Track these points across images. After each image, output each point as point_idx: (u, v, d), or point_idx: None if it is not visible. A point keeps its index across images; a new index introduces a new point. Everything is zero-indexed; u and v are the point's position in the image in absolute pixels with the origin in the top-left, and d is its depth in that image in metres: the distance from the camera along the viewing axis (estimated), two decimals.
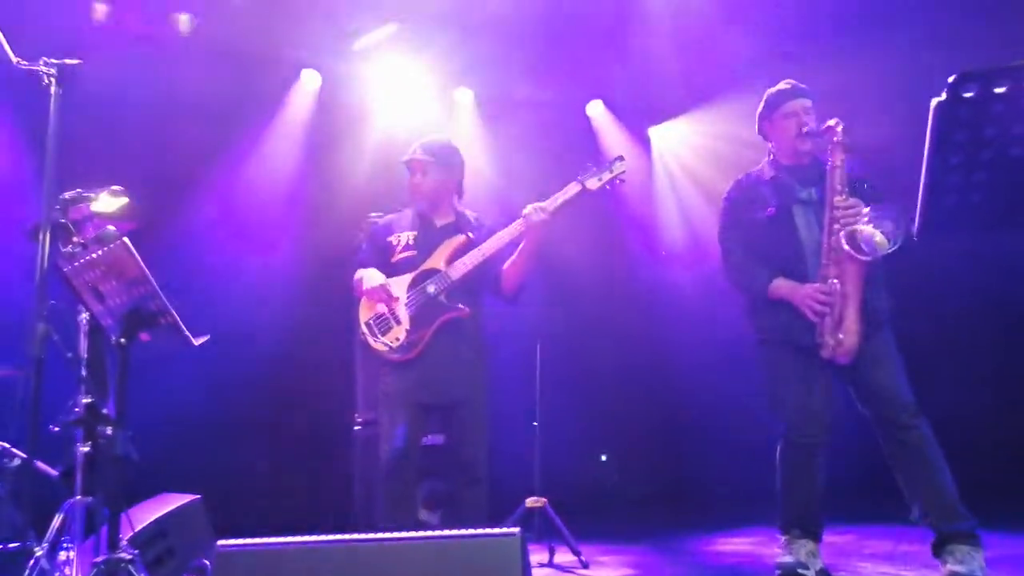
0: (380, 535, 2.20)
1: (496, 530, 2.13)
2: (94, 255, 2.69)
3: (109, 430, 2.92)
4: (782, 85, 3.37)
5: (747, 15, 5.39)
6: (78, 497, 3.02)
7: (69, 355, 3.05)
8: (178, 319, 2.79)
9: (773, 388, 3.30)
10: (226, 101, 5.19)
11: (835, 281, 3.05)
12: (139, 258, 2.68)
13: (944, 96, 1.50)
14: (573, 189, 3.32)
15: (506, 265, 3.38)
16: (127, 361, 2.74)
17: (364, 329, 3.34)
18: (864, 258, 2.94)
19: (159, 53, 5.12)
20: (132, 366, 2.75)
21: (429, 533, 2.19)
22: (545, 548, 4.09)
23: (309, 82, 5.90)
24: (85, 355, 3.15)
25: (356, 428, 4.64)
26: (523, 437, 4.43)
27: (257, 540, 2.19)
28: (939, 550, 2.97)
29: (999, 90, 1.48)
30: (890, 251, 2.90)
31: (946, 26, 4.77)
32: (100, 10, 5.00)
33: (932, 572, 3.00)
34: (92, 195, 3.34)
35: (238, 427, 5.27)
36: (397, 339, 3.27)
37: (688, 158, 6.67)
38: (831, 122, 3.14)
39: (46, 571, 2.99)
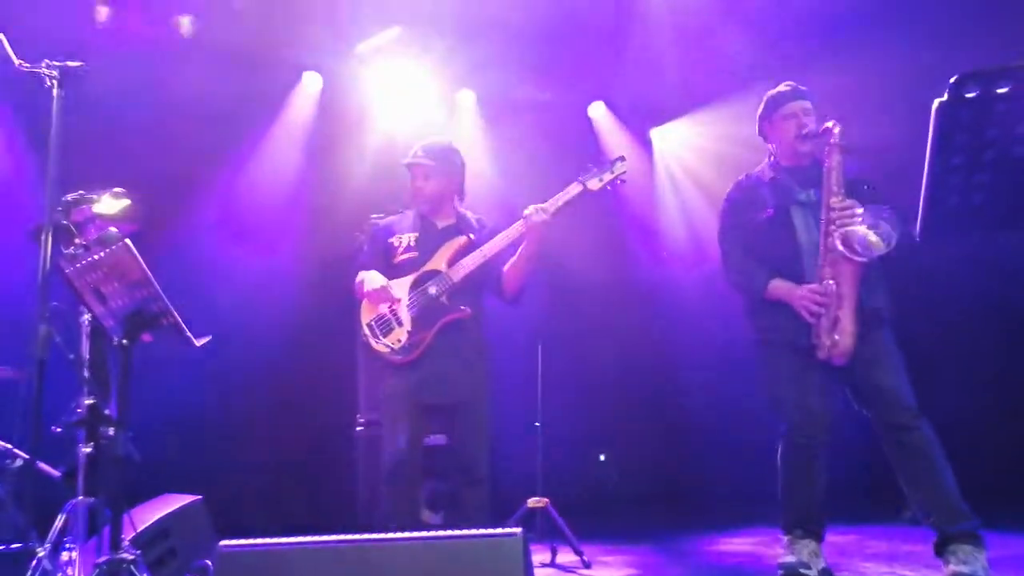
0: (383, 535, 2.20)
1: (498, 530, 2.14)
2: (96, 257, 2.69)
3: (111, 431, 2.92)
4: (782, 87, 3.38)
5: (748, 16, 5.40)
6: (80, 498, 3.02)
7: (71, 356, 3.05)
8: (180, 320, 2.79)
9: (773, 388, 3.31)
10: (228, 103, 5.19)
11: (831, 282, 3.05)
12: (141, 260, 2.68)
13: (946, 96, 1.50)
14: (574, 190, 3.32)
15: (507, 266, 3.38)
16: (129, 362, 2.74)
17: (366, 331, 3.34)
18: (858, 259, 2.95)
19: (161, 55, 5.13)
20: (134, 367, 2.75)
21: (431, 533, 2.19)
22: (547, 548, 4.09)
23: (311, 84, 5.90)
24: (87, 356, 3.15)
25: (358, 429, 4.64)
26: (525, 437, 4.43)
27: (259, 540, 2.19)
28: (941, 550, 2.97)
29: (1001, 90, 1.48)
30: (884, 252, 2.91)
31: (947, 26, 4.77)
32: (102, 12, 5.01)
33: (935, 572, 2.99)
34: (94, 197, 3.34)
35: (240, 428, 5.28)
36: (399, 340, 3.28)
37: (689, 159, 6.67)
38: (828, 124, 3.15)
39: (48, 572, 2.99)
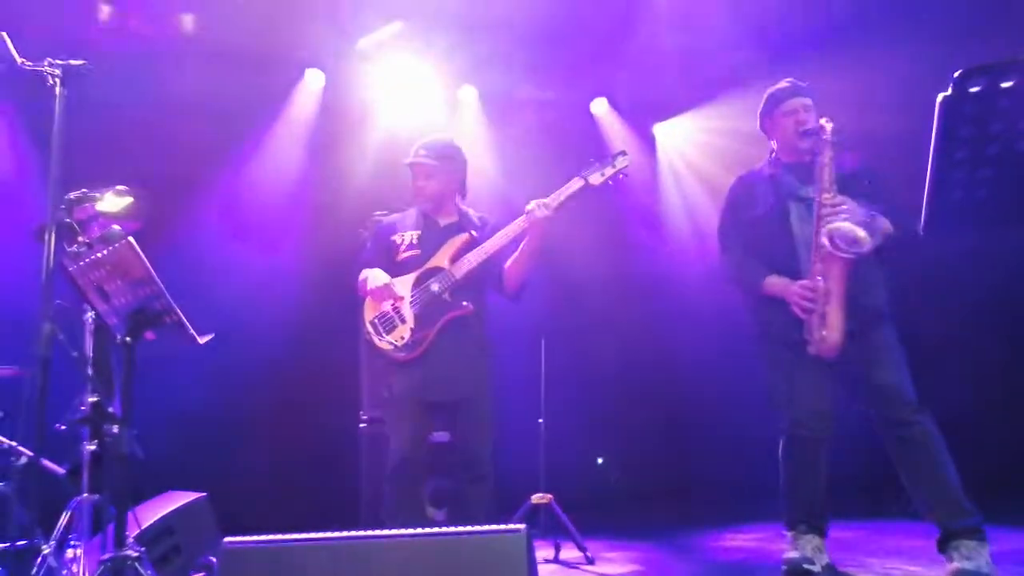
0: (386, 532, 2.20)
1: (502, 527, 2.14)
2: (99, 254, 2.70)
3: (115, 428, 2.92)
4: (782, 83, 3.39)
5: (749, 12, 5.38)
6: (85, 495, 3.04)
7: (75, 354, 3.05)
8: (183, 318, 2.80)
9: (774, 384, 3.32)
10: (230, 101, 5.19)
11: (820, 278, 3.05)
12: (144, 257, 2.68)
13: (950, 91, 1.49)
14: (576, 184, 3.32)
15: (509, 262, 3.38)
16: (132, 360, 2.75)
17: (369, 328, 3.35)
18: (843, 255, 2.95)
19: (164, 54, 5.13)
20: (137, 365, 2.76)
21: (435, 530, 2.19)
22: (551, 544, 4.10)
23: (313, 82, 5.90)
24: (91, 354, 3.17)
25: (362, 426, 4.65)
26: (528, 434, 4.43)
27: (263, 537, 2.20)
28: (944, 546, 2.97)
29: (1005, 85, 1.48)
30: (871, 248, 2.90)
31: (951, 22, 4.75)
32: (105, 11, 5.01)
33: (938, 567, 2.99)
34: (97, 195, 3.35)
35: (244, 425, 5.28)
36: (402, 338, 3.28)
37: (692, 154, 6.66)
38: (822, 120, 3.16)
39: (54, 569, 3.00)
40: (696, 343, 6.11)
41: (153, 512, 3.37)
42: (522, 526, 2.11)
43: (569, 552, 4.02)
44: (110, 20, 5.02)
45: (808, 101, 3.31)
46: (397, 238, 3.47)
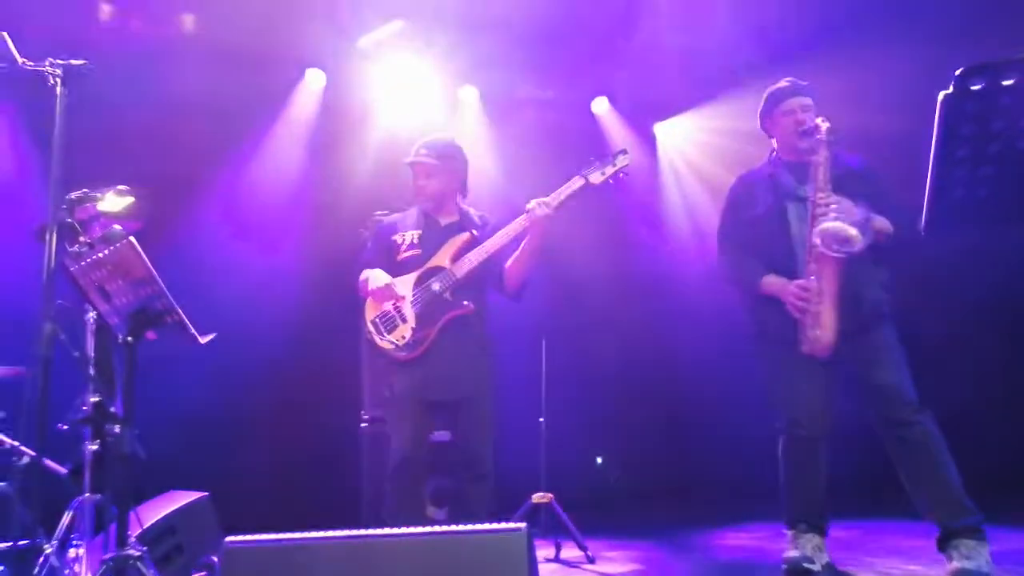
0: (387, 531, 2.20)
1: (502, 526, 2.14)
2: (100, 254, 2.70)
3: (117, 428, 2.92)
4: (782, 83, 3.39)
5: (750, 11, 5.38)
6: (87, 495, 3.04)
7: (76, 354, 3.06)
8: (184, 317, 2.80)
9: (771, 383, 3.33)
10: (231, 101, 5.19)
11: (814, 278, 3.06)
12: (145, 257, 2.69)
13: (951, 89, 1.49)
14: (576, 183, 3.32)
15: (510, 261, 3.38)
16: (134, 360, 2.75)
17: (370, 327, 3.35)
18: (834, 255, 2.95)
19: (164, 53, 5.13)
20: (139, 364, 2.76)
21: (436, 529, 2.19)
22: (551, 543, 4.10)
23: (314, 81, 5.90)
24: (92, 354, 3.17)
25: (363, 426, 4.65)
26: (529, 433, 4.43)
27: (265, 536, 2.20)
28: (944, 545, 2.97)
29: (1007, 83, 1.47)
30: (862, 247, 2.90)
31: (952, 21, 4.75)
32: (106, 11, 5.01)
33: (938, 566, 2.99)
34: (98, 195, 3.35)
35: (245, 425, 5.28)
36: (403, 337, 3.28)
37: (693, 154, 6.66)
38: (818, 120, 3.16)
39: (56, 568, 3.01)
40: (696, 342, 6.11)
41: (155, 512, 3.37)
42: (523, 525, 2.11)
43: (570, 551, 4.02)
44: (111, 20, 5.03)
45: (807, 101, 3.31)
46: (398, 238, 3.47)
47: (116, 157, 4.43)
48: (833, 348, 3.06)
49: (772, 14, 5.37)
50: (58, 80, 2.65)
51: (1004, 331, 5.28)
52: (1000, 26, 4.45)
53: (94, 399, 3.02)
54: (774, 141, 3.44)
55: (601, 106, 6.63)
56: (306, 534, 2.19)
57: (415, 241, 3.42)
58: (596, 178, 3.32)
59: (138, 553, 2.67)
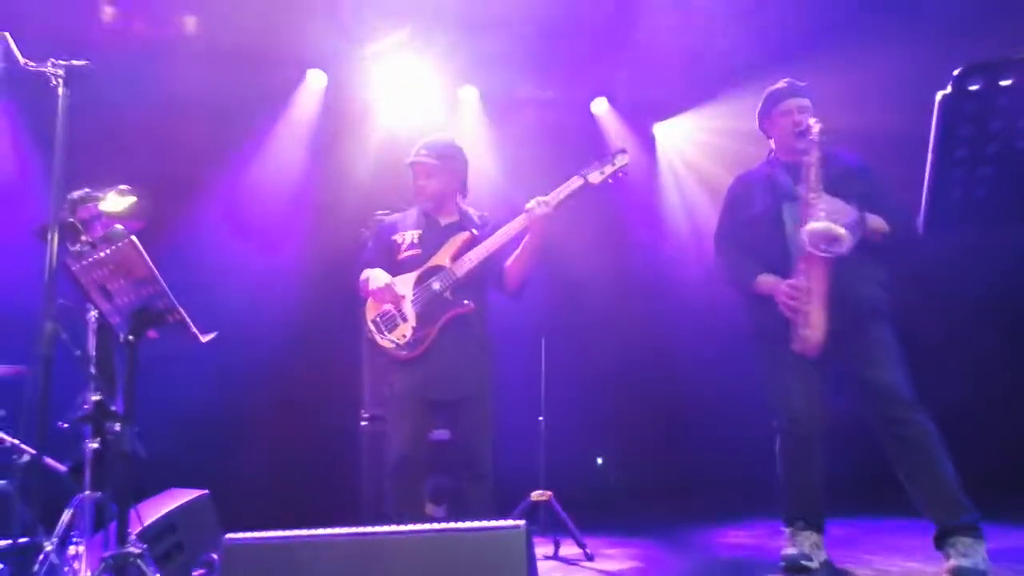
0: (387, 529, 2.21)
1: (501, 523, 2.15)
2: (102, 254, 2.71)
3: (117, 426, 2.94)
4: (780, 83, 3.41)
5: (749, 11, 5.39)
6: (87, 493, 3.05)
7: (78, 353, 3.07)
8: (186, 316, 2.81)
9: (767, 381, 3.34)
10: (232, 101, 5.20)
11: (804, 277, 3.07)
12: (147, 256, 2.69)
13: (949, 89, 1.50)
14: (575, 183, 3.33)
15: (510, 261, 3.39)
16: (135, 358, 2.76)
17: (371, 327, 3.36)
18: (820, 254, 2.96)
19: (166, 54, 5.14)
20: (140, 363, 2.77)
21: (435, 526, 2.20)
22: (550, 541, 4.11)
23: (314, 82, 5.91)
24: (93, 353, 3.18)
25: (363, 424, 4.66)
26: (528, 431, 4.44)
27: (265, 534, 2.21)
28: (941, 543, 2.98)
29: (1005, 83, 1.48)
30: (849, 247, 2.91)
31: (950, 21, 4.76)
32: (108, 12, 5.02)
33: (936, 564, 3.00)
34: (100, 194, 3.36)
35: (245, 423, 5.29)
36: (404, 336, 3.29)
37: (692, 154, 6.67)
38: (811, 120, 3.17)
39: (56, 566, 3.02)
40: (695, 341, 6.12)
41: (155, 510, 3.38)
42: (522, 522, 2.12)
43: (568, 549, 4.03)
44: (113, 20, 5.03)
45: (805, 101, 3.33)
46: (398, 237, 3.48)
47: (118, 157, 4.44)
48: (823, 347, 3.07)
49: (772, 14, 5.37)
50: (60, 81, 2.65)
51: (1003, 330, 5.29)
52: (999, 26, 4.46)
53: (95, 397, 3.02)
54: (772, 141, 3.45)
55: (601, 106, 6.64)
56: (306, 532, 2.20)
57: (415, 241, 3.43)
58: (595, 178, 3.33)
59: (138, 551, 2.67)
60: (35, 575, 2.96)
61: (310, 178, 5.88)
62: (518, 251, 3.35)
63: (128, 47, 5.01)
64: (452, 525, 2.20)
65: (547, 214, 3.25)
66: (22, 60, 2.64)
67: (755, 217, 3.32)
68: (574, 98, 6.54)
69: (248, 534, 2.21)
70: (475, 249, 3.33)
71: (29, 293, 2.94)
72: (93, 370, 3.09)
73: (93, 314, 3.17)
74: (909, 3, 5.00)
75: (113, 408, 3.04)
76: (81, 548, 3.02)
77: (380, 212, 4.45)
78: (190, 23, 5.19)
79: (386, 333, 3.31)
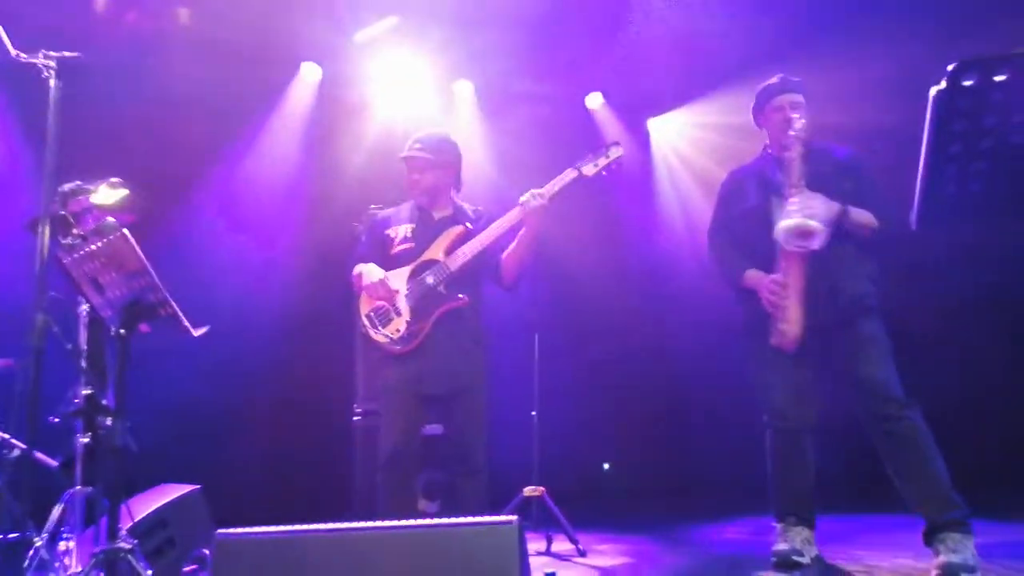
0: (379, 524, 2.21)
1: (494, 518, 2.14)
2: (94, 247, 2.69)
3: (108, 421, 2.93)
4: (773, 79, 3.41)
5: (744, 7, 5.39)
6: (78, 487, 3.04)
7: (69, 346, 3.06)
8: (178, 310, 2.80)
9: (756, 377, 3.35)
10: (226, 95, 5.18)
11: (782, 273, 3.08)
12: (139, 250, 2.68)
13: (943, 85, 1.50)
14: (569, 175, 3.32)
15: (506, 253, 3.38)
16: (127, 352, 2.74)
17: (365, 321, 3.35)
18: (794, 249, 2.97)
19: (160, 46, 5.11)
20: (132, 357, 2.75)
21: (428, 521, 2.20)
22: (543, 536, 4.11)
23: (309, 76, 5.89)
24: (85, 346, 3.17)
25: (356, 419, 4.65)
26: (521, 427, 4.44)
27: (257, 529, 2.20)
28: (931, 539, 2.98)
29: (999, 78, 1.48)
30: (821, 243, 2.91)
31: (945, 17, 4.77)
32: (101, 3, 4.99)
33: (926, 560, 3.01)
34: (91, 187, 3.34)
35: (238, 418, 5.28)
36: (398, 330, 3.28)
37: (686, 149, 6.67)
38: (793, 115, 3.18)
39: (46, 561, 3.00)
40: (689, 336, 6.14)
41: (146, 505, 3.36)
42: (514, 518, 2.11)
43: (561, 544, 4.04)
44: (105, 13, 5.00)
45: (797, 97, 3.33)
46: (391, 232, 3.47)
47: (109, 150, 4.42)
48: (804, 342, 3.08)
49: (766, 10, 5.37)
50: (52, 72, 2.64)
51: (995, 326, 5.31)
52: (993, 23, 4.47)
53: (86, 392, 3.01)
54: (767, 136, 3.45)
55: (595, 101, 6.63)
56: (298, 527, 2.19)
57: (408, 235, 3.42)
58: (589, 170, 3.32)
59: (129, 546, 2.66)
60: (25, 570, 2.94)
61: (304, 172, 5.87)
62: (514, 244, 3.35)
63: (121, 39, 4.98)
64: (444, 520, 2.20)
65: (543, 205, 3.24)
66: (13, 52, 2.62)
67: (747, 212, 3.33)
68: (569, 93, 6.53)
69: (240, 529, 2.20)
70: (469, 243, 3.32)
71: (20, 286, 2.93)
72: (84, 364, 3.08)
73: (84, 307, 3.15)
74: (903, 0, 5.01)
75: (104, 402, 3.03)
76: (71, 543, 3.01)
77: (374, 206, 4.44)
78: (183, 15, 5.16)
79: (380, 328, 3.30)
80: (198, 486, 3.60)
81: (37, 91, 2.71)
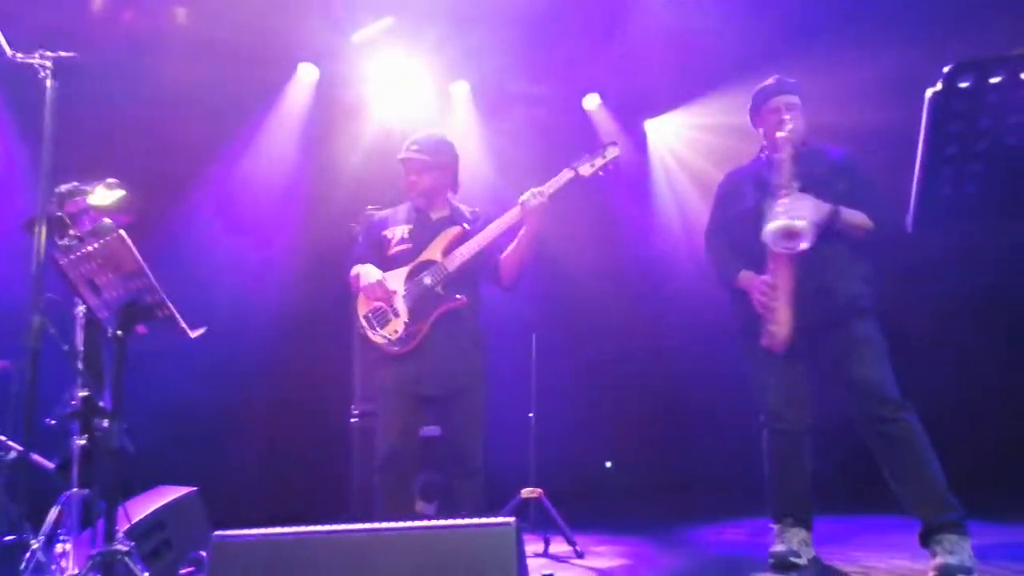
0: (376, 525, 2.21)
1: (491, 520, 2.14)
2: (90, 248, 2.69)
3: (105, 423, 2.92)
4: (769, 80, 3.41)
5: (740, 8, 5.40)
6: (74, 489, 3.03)
7: (65, 348, 3.05)
8: (175, 311, 2.79)
9: (752, 377, 3.35)
10: (223, 95, 5.18)
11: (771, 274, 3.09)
12: (135, 251, 2.68)
13: (939, 87, 1.50)
14: (566, 176, 3.32)
15: (505, 253, 3.38)
16: (123, 354, 2.74)
17: (363, 322, 3.34)
18: (781, 251, 2.97)
19: (156, 47, 5.11)
20: (128, 359, 2.75)
21: (425, 523, 2.20)
22: (540, 538, 4.11)
23: (306, 76, 5.89)
24: (81, 348, 3.16)
25: (353, 420, 4.65)
26: (519, 428, 4.44)
27: (254, 531, 2.20)
28: (927, 540, 2.98)
29: (994, 80, 1.48)
30: (807, 244, 2.92)
31: (940, 19, 4.78)
32: (98, 3, 4.98)
33: (923, 561, 3.01)
34: (88, 188, 3.34)
35: (235, 420, 5.28)
36: (396, 331, 3.28)
37: (683, 150, 6.68)
38: (784, 117, 3.18)
39: (42, 563, 3.00)
40: (686, 337, 6.14)
41: (143, 507, 3.36)
42: (511, 519, 2.11)
43: (558, 546, 4.04)
44: (102, 12, 5.00)
45: (792, 99, 3.33)
46: (388, 233, 3.47)
47: (106, 151, 4.42)
48: (796, 343, 3.09)
49: (762, 11, 5.38)
50: (48, 73, 2.63)
51: (992, 327, 5.32)
52: (989, 25, 4.48)
53: (82, 393, 3.01)
54: (763, 137, 3.46)
55: (592, 102, 6.64)
56: (295, 529, 2.19)
57: (405, 236, 3.42)
58: (586, 170, 3.32)
59: (126, 548, 2.66)
60: (22, 573, 2.94)
61: (301, 172, 5.86)
62: (513, 244, 3.35)
63: (118, 39, 4.97)
64: (442, 522, 2.19)
65: (542, 204, 3.24)
66: (9, 52, 2.62)
67: (743, 213, 3.33)
68: (566, 94, 6.54)
69: (237, 531, 2.20)
70: (467, 243, 3.32)
71: (16, 287, 2.92)
72: (81, 365, 3.07)
73: (81, 308, 3.15)
74: (899, 1, 5.02)
75: (101, 404, 3.03)
76: (68, 546, 3.00)
77: (371, 207, 4.44)
78: (180, 15, 5.16)
79: (378, 329, 3.30)
80: (195, 488, 3.60)
81: (33, 91, 2.70)
